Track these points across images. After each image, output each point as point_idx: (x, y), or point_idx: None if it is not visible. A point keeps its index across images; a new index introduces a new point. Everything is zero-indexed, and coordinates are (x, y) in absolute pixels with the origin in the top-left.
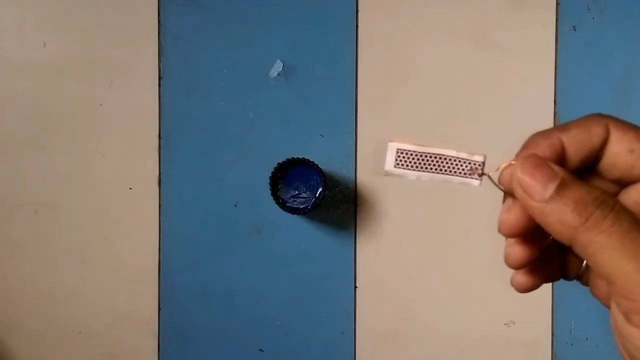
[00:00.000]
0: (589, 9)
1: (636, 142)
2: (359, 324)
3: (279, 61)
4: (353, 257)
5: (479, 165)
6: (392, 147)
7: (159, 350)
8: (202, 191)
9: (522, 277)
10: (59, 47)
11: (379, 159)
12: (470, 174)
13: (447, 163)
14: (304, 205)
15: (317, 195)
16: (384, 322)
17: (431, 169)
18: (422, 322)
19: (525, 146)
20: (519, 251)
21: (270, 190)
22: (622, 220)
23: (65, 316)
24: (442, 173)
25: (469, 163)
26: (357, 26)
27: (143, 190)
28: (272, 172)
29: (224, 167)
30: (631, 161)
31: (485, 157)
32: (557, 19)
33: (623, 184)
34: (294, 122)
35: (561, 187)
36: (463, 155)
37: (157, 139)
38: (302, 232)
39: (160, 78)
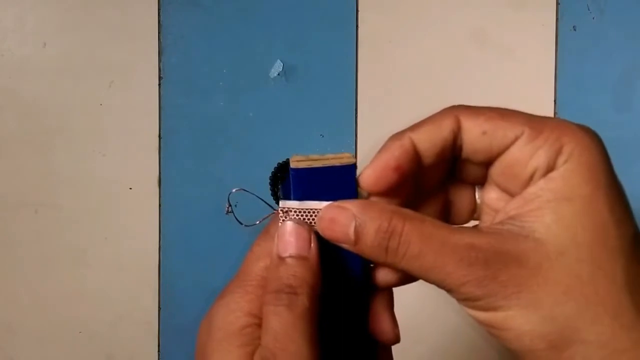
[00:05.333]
0: (589, 9)
1: (487, 124)
2: None
3: (279, 61)
4: None
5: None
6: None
7: (159, 350)
8: (202, 191)
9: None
10: (59, 47)
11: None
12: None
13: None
14: None
15: None
16: None
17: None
18: (422, 321)
19: (380, 149)
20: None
21: (271, 190)
22: (411, 243)
23: (65, 316)
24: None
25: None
26: (357, 26)
27: (143, 190)
28: (272, 172)
29: (224, 167)
30: (487, 142)
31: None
32: (557, 19)
33: (489, 164)
34: (294, 122)
35: (357, 235)
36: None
37: (157, 139)
38: None
39: (160, 78)
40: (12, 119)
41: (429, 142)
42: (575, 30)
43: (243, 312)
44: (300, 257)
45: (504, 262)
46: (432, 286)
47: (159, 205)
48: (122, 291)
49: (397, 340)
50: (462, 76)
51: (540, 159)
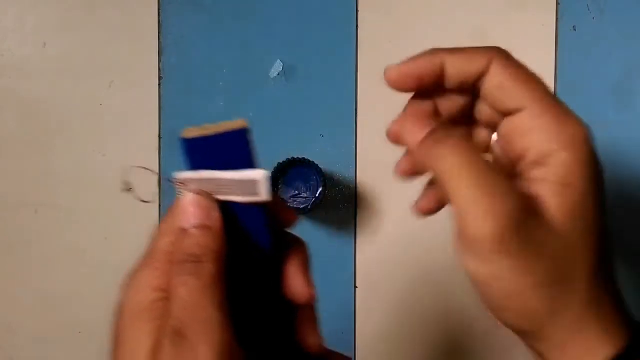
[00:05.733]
0: (589, 9)
1: (509, 80)
2: (359, 324)
3: (279, 61)
4: (353, 257)
5: (255, 183)
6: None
7: None
8: None
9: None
10: (59, 47)
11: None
12: (252, 194)
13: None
14: (304, 205)
15: (317, 195)
16: (384, 322)
17: (215, 192)
18: (422, 322)
19: (413, 57)
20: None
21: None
22: (461, 164)
23: (65, 316)
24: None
25: (247, 183)
26: (357, 26)
27: (143, 187)
28: (272, 172)
29: None
30: (499, 96)
31: (265, 175)
32: (557, 19)
33: (503, 113)
34: (294, 122)
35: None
36: (239, 176)
37: (157, 139)
38: (302, 232)
39: (160, 78)
40: (12, 119)
41: (457, 70)
42: (575, 30)
43: (151, 288)
44: (202, 227)
45: (534, 212)
46: (434, 287)
47: (159, 205)
48: None
49: (311, 299)
50: None
51: (542, 137)
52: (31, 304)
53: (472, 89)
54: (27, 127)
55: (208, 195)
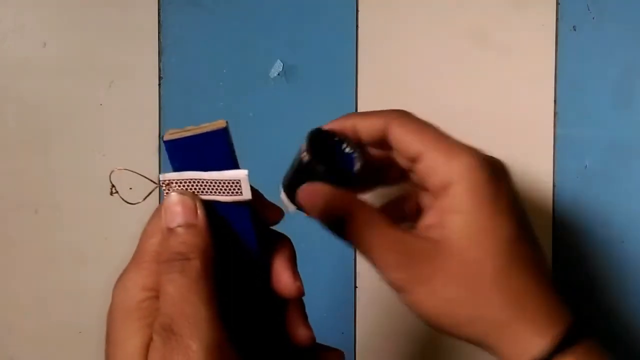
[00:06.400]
0: (589, 9)
1: (405, 134)
2: (359, 324)
3: (279, 61)
4: (353, 257)
5: (237, 182)
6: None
7: None
8: None
9: None
10: (59, 47)
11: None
12: (235, 193)
13: (210, 185)
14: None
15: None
16: (384, 322)
17: (199, 191)
18: (422, 322)
19: (332, 122)
20: None
21: (286, 193)
22: (361, 235)
23: (65, 316)
24: (211, 194)
25: (229, 182)
26: (357, 26)
27: (143, 190)
28: (287, 178)
29: None
30: (401, 147)
31: (245, 174)
32: (557, 19)
33: (410, 159)
34: (294, 122)
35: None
36: (219, 176)
37: (157, 139)
38: (302, 232)
39: (160, 78)
40: (12, 119)
41: (366, 132)
42: (575, 30)
43: (140, 287)
44: (188, 225)
45: (419, 258)
46: None
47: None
48: None
49: (299, 292)
50: (462, 76)
51: (437, 174)
52: (31, 304)
53: (383, 143)
54: (27, 127)
55: (192, 195)
